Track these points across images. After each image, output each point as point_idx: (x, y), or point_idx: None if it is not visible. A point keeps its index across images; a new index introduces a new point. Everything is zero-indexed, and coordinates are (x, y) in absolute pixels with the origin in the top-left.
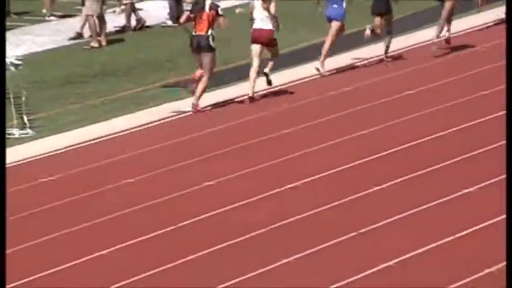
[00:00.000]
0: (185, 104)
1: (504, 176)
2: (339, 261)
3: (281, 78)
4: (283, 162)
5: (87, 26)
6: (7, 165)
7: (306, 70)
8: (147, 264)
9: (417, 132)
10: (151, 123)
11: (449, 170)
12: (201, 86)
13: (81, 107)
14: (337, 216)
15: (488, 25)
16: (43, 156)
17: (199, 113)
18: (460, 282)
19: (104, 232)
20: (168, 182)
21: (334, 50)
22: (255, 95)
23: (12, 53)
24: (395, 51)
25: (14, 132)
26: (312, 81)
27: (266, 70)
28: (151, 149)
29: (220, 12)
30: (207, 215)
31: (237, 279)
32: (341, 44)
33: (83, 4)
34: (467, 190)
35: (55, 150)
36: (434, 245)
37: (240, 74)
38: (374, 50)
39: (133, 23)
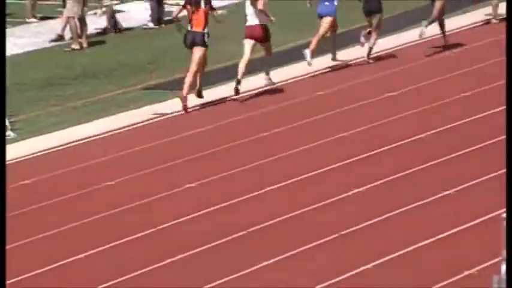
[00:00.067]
0: (166, 106)
1: (484, 178)
2: (320, 263)
3: (271, 77)
4: (267, 163)
5: (68, 28)
6: None
7: (296, 69)
8: (134, 265)
9: (399, 133)
10: (132, 125)
11: (429, 172)
12: (188, 79)
13: (62, 109)
14: (319, 218)
15: (476, 25)
16: (24, 158)
17: (185, 113)
18: (440, 284)
19: (90, 233)
20: (151, 183)
21: (325, 49)
22: (239, 88)
23: None
24: (385, 50)
25: None
26: (302, 80)
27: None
28: (133, 151)
29: (213, 6)
30: (190, 216)
31: (222, 280)
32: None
33: (64, 6)
34: (447, 192)
35: (36, 152)
36: (414, 247)
37: (229, 73)
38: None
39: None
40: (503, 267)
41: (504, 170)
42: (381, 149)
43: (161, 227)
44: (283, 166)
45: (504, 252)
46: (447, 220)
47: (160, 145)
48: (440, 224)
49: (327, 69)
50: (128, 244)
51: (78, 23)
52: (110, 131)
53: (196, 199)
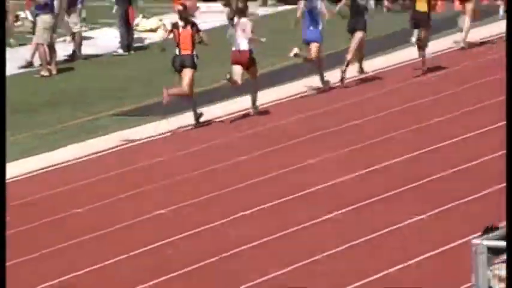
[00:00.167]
0: (135, 133)
1: (464, 200)
2: None
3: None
4: (232, 191)
5: (37, 54)
6: None
7: (280, 92)
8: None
9: (369, 160)
10: (101, 151)
11: (399, 199)
12: (177, 90)
13: (30, 136)
14: (286, 245)
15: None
16: None
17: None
18: None
19: (62, 260)
20: (120, 210)
21: (310, 70)
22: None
23: None
24: (370, 72)
25: None
26: (286, 102)
27: (253, 106)
28: (101, 178)
29: (199, 28)
30: (157, 244)
31: None
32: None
33: (33, 33)
34: (419, 217)
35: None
36: (393, 269)
37: (212, 96)
38: (352, 71)
39: (84, 51)
40: None
41: (479, 194)
42: (349, 176)
43: (132, 253)
44: (247, 195)
45: (473, 277)
46: (426, 242)
47: (129, 171)
48: (419, 246)
49: (312, 92)
50: (102, 269)
51: (47, 50)
52: (78, 158)
53: (166, 226)
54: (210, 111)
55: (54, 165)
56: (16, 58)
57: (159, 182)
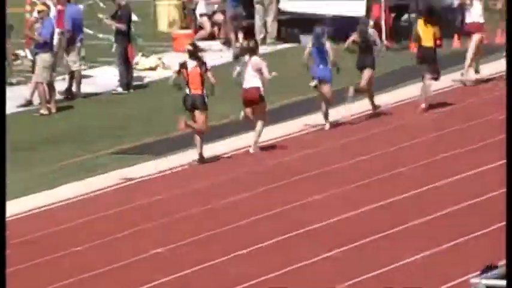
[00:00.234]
0: (134, 171)
1: (468, 237)
2: None
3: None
4: (233, 229)
5: (36, 93)
6: None
7: (285, 128)
8: None
9: (375, 196)
10: (100, 190)
11: (404, 235)
12: (194, 126)
13: (30, 175)
14: (287, 283)
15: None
16: None
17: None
18: None
19: None
20: (118, 249)
21: (315, 107)
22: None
23: None
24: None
25: None
26: (292, 139)
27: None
28: (100, 216)
29: (208, 67)
30: (154, 283)
31: None
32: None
33: (32, 71)
34: (424, 253)
35: None
36: None
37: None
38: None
39: (83, 89)
40: None
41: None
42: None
43: None
44: (246, 233)
45: None
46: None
47: (128, 210)
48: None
49: (316, 128)
50: None
51: (46, 88)
52: (78, 196)
53: (163, 264)
54: (214, 148)
55: (54, 203)
56: (15, 97)
57: (158, 220)
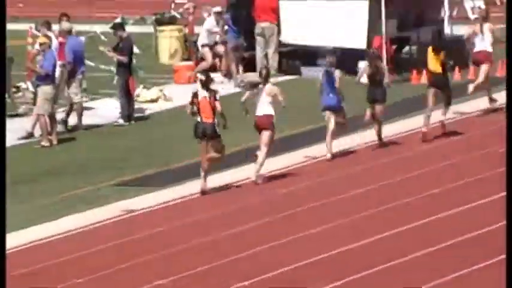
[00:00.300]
0: (136, 203)
1: (470, 269)
2: None
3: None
4: (233, 261)
5: (38, 125)
6: None
7: (292, 158)
8: None
9: (381, 227)
10: (101, 222)
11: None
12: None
13: (31, 207)
14: None
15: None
16: None
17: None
18: None
19: None
20: (119, 281)
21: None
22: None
23: None
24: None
25: None
26: (299, 168)
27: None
28: (100, 248)
29: (217, 97)
30: None
31: None
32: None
33: (34, 104)
34: (427, 285)
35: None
36: None
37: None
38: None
39: (84, 121)
40: None
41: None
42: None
43: None
44: (259, 261)
45: None
46: None
47: (129, 242)
48: None
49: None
50: None
51: (48, 120)
52: (79, 228)
53: None
54: (218, 178)
55: (55, 235)
56: (17, 129)
57: (159, 252)
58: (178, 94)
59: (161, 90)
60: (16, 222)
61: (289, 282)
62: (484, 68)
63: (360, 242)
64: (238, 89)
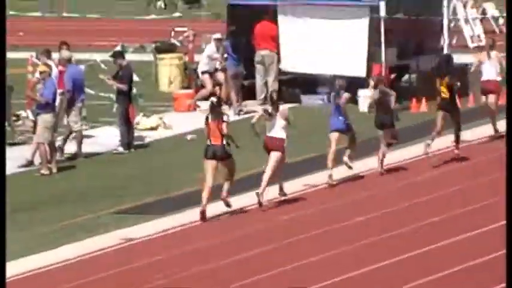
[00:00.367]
0: (135, 231)
1: None
2: None
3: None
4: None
5: (38, 153)
6: None
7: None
8: None
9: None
10: (100, 250)
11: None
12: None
13: (30, 235)
14: None
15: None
16: None
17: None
18: None
19: None
20: None
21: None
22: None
23: None
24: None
25: None
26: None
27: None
28: (100, 277)
29: (224, 118)
30: None
31: None
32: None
33: (34, 132)
34: None
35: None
36: None
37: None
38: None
39: (84, 149)
40: None
41: None
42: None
43: None
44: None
45: None
46: None
47: (127, 270)
48: None
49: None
50: None
51: (47, 149)
52: (78, 256)
53: None
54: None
55: (54, 263)
56: (16, 157)
57: (158, 281)
58: (178, 122)
59: (161, 118)
60: (16, 251)
61: None
62: (493, 98)
63: (362, 269)
64: (238, 117)
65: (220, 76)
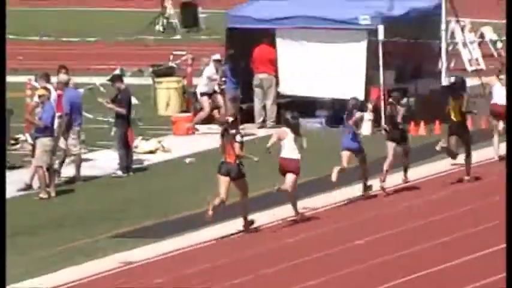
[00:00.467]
0: (134, 254)
1: None
2: None
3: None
4: None
5: (36, 177)
6: None
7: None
8: None
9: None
10: (98, 274)
11: None
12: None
13: (28, 259)
14: None
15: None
16: None
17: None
18: None
19: None
20: None
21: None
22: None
23: None
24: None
25: None
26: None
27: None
28: None
29: (238, 139)
30: None
31: None
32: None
33: (32, 156)
34: None
35: None
36: None
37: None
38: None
39: (83, 173)
40: None
41: None
42: None
43: None
44: None
45: None
46: None
47: None
48: None
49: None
50: None
51: (46, 172)
52: (76, 281)
53: None
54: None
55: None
56: (15, 181)
57: None
58: (176, 145)
59: (160, 142)
60: (13, 275)
61: None
62: (499, 125)
63: None
64: None
65: (219, 99)
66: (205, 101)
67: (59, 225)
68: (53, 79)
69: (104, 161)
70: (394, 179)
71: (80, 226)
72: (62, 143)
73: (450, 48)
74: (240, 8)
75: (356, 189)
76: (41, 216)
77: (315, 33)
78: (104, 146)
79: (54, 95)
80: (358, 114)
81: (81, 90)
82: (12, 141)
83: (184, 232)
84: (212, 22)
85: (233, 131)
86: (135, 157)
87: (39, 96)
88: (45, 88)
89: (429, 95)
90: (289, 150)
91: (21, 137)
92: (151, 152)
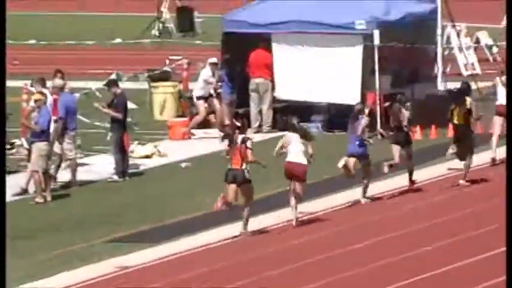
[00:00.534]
0: (130, 259)
1: None
2: None
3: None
4: None
5: (32, 181)
6: None
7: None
8: None
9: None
10: (94, 279)
11: None
12: (246, 213)
13: (24, 264)
14: None
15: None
16: None
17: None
18: None
19: None
20: None
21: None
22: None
23: None
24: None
25: None
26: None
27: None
28: None
29: (249, 145)
30: None
31: None
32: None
33: (28, 160)
34: None
35: None
36: None
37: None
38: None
39: (79, 177)
40: None
41: None
42: None
43: None
44: None
45: None
46: None
47: None
48: None
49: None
50: None
51: (42, 177)
52: (71, 285)
53: None
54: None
55: None
56: (11, 185)
57: None
58: (172, 150)
59: (156, 146)
60: (15, 278)
61: None
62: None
63: None
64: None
65: (215, 103)
66: (201, 105)
67: (54, 230)
68: (49, 84)
69: (100, 166)
70: (397, 182)
71: (76, 231)
72: (56, 147)
73: (446, 53)
74: (236, 13)
75: (357, 192)
76: (36, 220)
77: (310, 38)
78: (100, 151)
79: (50, 99)
80: (364, 120)
81: (77, 95)
82: (8, 146)
83: (180, 236)
84: (208, 27)
85: (241, 137)
86: (131, 162)
87: (35, 101)
88: (41, 93)
89: (425, 100)
90: (296, 154)
91: (17, 141)
92: (147, 157)
